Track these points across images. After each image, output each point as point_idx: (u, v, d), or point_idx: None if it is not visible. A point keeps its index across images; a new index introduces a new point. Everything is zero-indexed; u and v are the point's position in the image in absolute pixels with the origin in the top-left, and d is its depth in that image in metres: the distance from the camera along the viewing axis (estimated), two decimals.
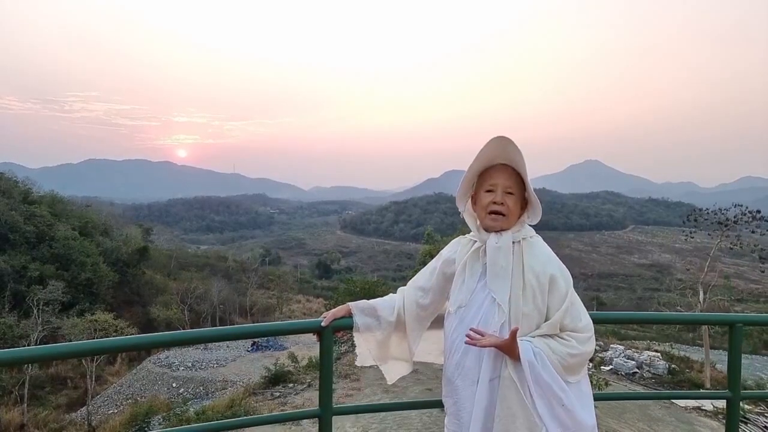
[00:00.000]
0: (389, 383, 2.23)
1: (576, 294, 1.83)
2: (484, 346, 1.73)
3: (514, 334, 1.70)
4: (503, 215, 1.86)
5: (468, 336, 1.76)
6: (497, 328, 1.77)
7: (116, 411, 20.73)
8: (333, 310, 2.14)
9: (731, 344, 2.45)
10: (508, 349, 1.71)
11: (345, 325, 2.10)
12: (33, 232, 35.26)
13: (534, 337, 1.76)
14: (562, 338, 1.77)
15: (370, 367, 2.21)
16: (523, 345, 1.71)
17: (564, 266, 1.86)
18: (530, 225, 1.96)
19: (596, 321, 1.92)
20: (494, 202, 1.87)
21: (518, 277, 1.80)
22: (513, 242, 1.86)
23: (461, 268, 1.94)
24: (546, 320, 1.78)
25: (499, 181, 1.88)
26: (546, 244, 1.92)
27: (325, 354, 2.11)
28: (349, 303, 2.13)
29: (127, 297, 39.15)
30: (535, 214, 1.93)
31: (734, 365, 2.45)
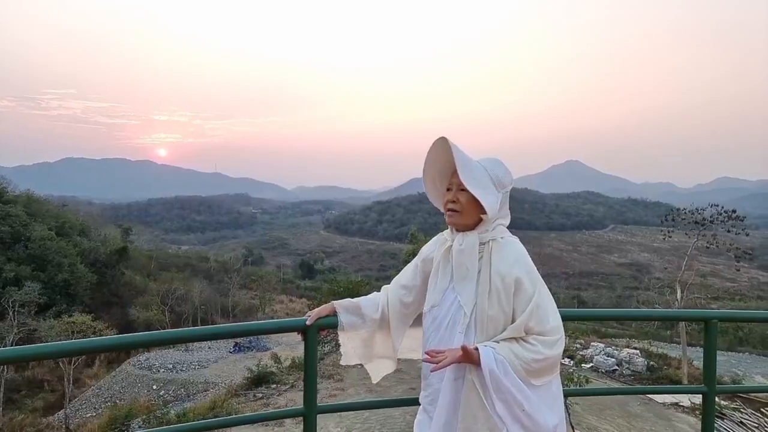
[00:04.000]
0: (374, 382, 2.23)
1: (547, 296, 1.83)
2: (444, 367, 1.73)
3: (464, 349, 1.70)
4: (457, 211, 1.87)
5: (427, 358, 1.77)
6: (463, 330, 1.81)
7: (95, 414, 20.40)
8: (317, 308, 2.14)
9: (707, 340, 2.49)
10: (467, 359, 1.73)
11: (330, 324, 2.11)
12: (8, 233, 34.53)
13: (499, 341, 1.76)
14: (527, 342, 1.75)
15: (354, 366, 2.22)
16: (485, 352, 1.71)
17: (534, 268, 1.84)
18: (503, 224, 1.92)
19: (576, 318, 1.96)
20: (449, 200, 1.90)
21: (485, 280, 1.80)
22: (481, 243, 1.86)
23: (435, 268, 1.97)
24: (512, 323, 1.78)
25: (454, 179, 1.90)
26: (519, 246, 1.88)
27: (309, 353, 2.11)
28: (334, 302, 2.14)
29: (106, 298, 38.54)
30: (487, 211, 1.82)
31: (710, 361, 2.49)
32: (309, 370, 2.13)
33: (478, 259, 1.85)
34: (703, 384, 2.49)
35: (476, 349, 1.72)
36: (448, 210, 1.90)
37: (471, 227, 1.88)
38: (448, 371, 1.79)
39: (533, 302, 1.77)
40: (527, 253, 1.88)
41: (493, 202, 1.83)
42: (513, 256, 1.83)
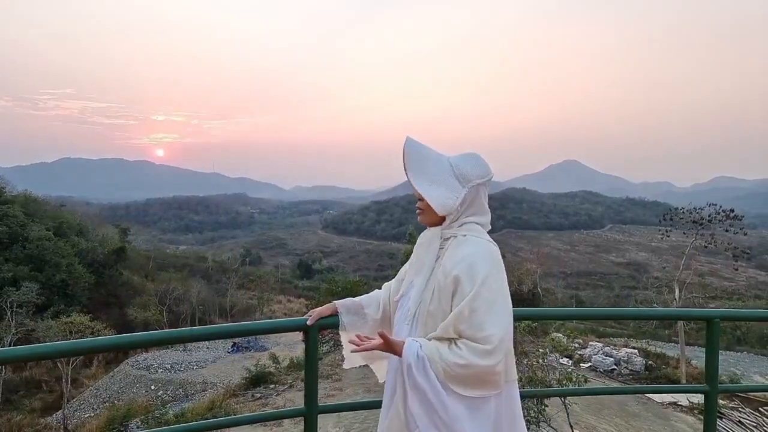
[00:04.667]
0: (381, 381, 2.22)
1: (490, 303, 1.66)
2: (360, 351, 1.79)
3: (384, 339, 1.73)
4: (421, 209, 1.87)
5: (354, 339, 1.86)
6: (410, 323, 1.83)
7: (93, 415, 20.34)
8: (318, 308, 2.13)
9: (708, 339, 2.48)
10: (388, 350, 1.74)
11: (331, 324, 2.10)
12: (6, 233, 34.44)
13: (431, 338, 1.72)
14: (455, 345, 1.66)
15: (356, 366, 2.21)
16: (409, 346, 1.70)
17: (486, 271, 1.69)
18: (476, 221, 1.83)
19: (576, 317, 1.94)
20: (417, 200, 1.89)
21: (434, 275, 1.80)
22: (445, 239, 1.83)
23: (409, 261, 2.00)
24: None
25: None
26: (478, 245, 1.76)
27: (310, 353, 2.10)
28: (336, 301, 2.13)
29: (104, 298, 38.44)
30: (435, 208, 1.79)
31: (711, 360, 2.48)
32: (310, 370, 2.12)
33: (437, 255, 1.84)
34: (704, 383, 2.49)
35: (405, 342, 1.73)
36: (417, 209, 1.90)
37: (438, 224, 1.85)
38: (393, 360, 1.82)
39: (466, 304, 1.66)
40: (489, 254, 1.74)
41: (445, 198, 1.78)
42: (461, 255, 1.74)
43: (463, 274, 1.69)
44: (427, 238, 1.88)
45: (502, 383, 1.71)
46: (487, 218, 1.86)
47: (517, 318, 2.05)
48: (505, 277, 1.76)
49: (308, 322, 2.06)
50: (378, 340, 1.75)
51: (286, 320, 2.21)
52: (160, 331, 2.11)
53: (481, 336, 1.63)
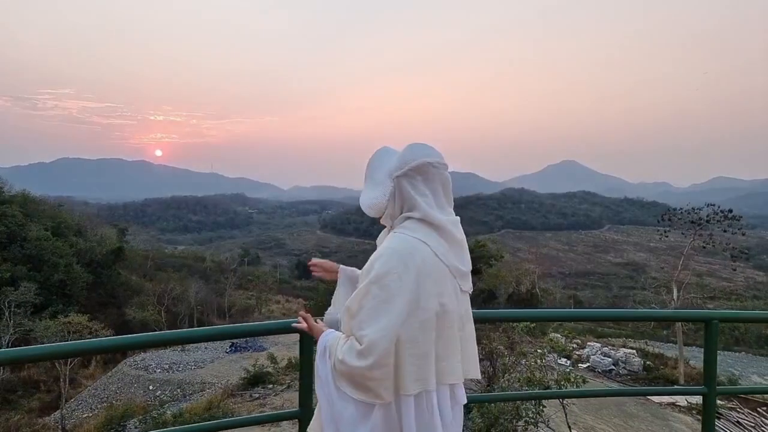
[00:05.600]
0: None
1: (378, 303, 1.53)
2: (294, 331, 1.92)
3: (305, 318, 1.82)
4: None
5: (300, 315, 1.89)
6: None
7: (91, 415, 20.30)
8: (324, 260, 2.12)
9: (707, 340, 2.46)
10: (311, 333, 1.81)
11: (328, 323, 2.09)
12: (4, 233, 34.36)
13: (342, 331, 1.68)
14: (346, 341, 1.59)
15: None
16: (325, 333, 1.72)
17: (381, 266, 1.57)
18: (412, 215, 1.69)
19: (574, 319, 1.91)
20: None
21: None
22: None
23: None
24: None
25: None
26: (391, 241, 1.65)
27: (305, 353, 2.09)
28: (341, 266, 2.07)
29: (102, 298, 38.37)
30: (364, 210, 1.77)
31: (710, 361, 2.46)
32: (304, 371, 2.10)
33: None
34: (703, 385, 2.47)
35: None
36: None
37: (387, 225, 1.78)
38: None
39: (354, 300, 1.59)
40: (399, 251, 1.60)
41: (371, 198, 1.74)
42: (376, 251, 1.68)
43: (364, 269, 1.64)
44: (379, 239, 1.82)
45: (385, 394, 1.53)
46: (421, 212, 1.65)
47: (515, 319, 2.03)
48: (421, 278, 1.56)
49: (310, 262, 2.10)
50: (303, 324, 1.82)
51: (282, 321, 2.19)
52: (160, 332, 2.08)
53: (359, 335, 1.53)
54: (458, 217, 1.73)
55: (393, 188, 1.70)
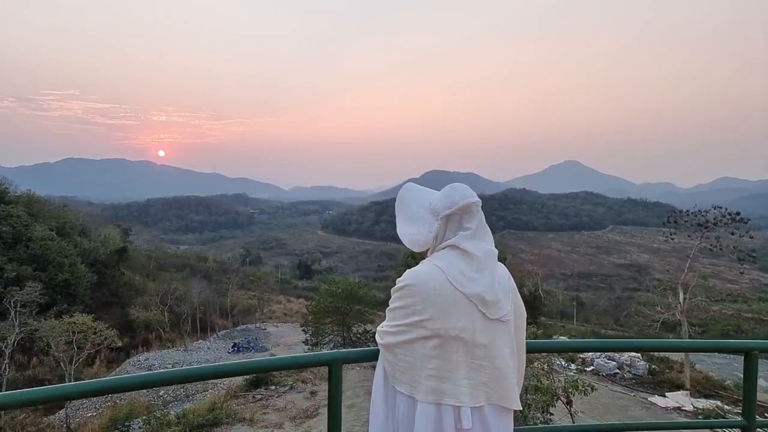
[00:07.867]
0: None
1: (392, 311, 1.82)
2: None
3: None
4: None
5: None
6: None
7: (95, 414, 20.36)
8: None
9: (747, 372, 2.37)
10: None
11: (354, 358, 2.16)
12: (9, 233, 34.46)
13: None
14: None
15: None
16: None
17: (397, 286, 1.82)
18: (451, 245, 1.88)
19: (594, 350, 1.84)
20: None
21: None
22: None
23: None
24: None
25: None
26: (421, 264, 1.86)
27: (334, 389, 2.02)
28: None
29: (106, 298, 38.47)
30: (406, 244, 1.93)
31: (749, 393, 2.37)
32: (333, 407, 2.04)
33: None
34: (741, 417, 2.39)
35: None
36: None
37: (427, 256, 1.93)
38: None
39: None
40: (412, 275, 1.79)
41: (416, 234, 1.88)
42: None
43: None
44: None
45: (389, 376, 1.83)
46: (458, 238, 1.82)
47: (528, 351, 2.01)
48: (417, 299, 1.73)
49: None
50: None
51: (310, 355, 2.17)
52: (183, 368, 1.95)
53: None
54: (496, 250, 1.84)
55: (439, 226, 1.85)
